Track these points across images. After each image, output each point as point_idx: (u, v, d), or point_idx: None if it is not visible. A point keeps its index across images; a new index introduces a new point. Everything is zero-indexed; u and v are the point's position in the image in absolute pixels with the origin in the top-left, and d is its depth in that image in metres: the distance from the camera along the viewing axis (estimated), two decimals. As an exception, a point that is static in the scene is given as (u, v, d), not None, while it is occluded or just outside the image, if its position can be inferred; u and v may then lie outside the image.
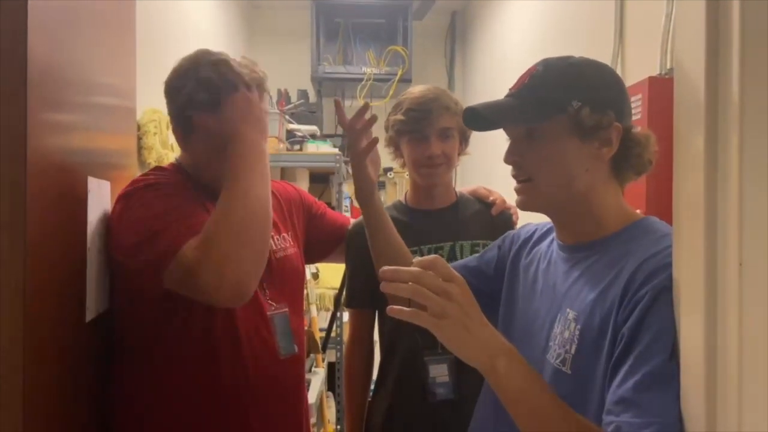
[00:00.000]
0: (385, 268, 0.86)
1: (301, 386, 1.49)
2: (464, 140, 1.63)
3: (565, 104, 0.94)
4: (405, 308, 0.84)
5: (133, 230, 1.18)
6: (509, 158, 1.02)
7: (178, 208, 1.21)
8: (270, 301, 1.37)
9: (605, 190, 0.98)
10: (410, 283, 0.84)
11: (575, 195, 0.98)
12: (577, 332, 0.91)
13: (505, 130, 1.04)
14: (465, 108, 1.03)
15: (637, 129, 1.00)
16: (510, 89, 1.02)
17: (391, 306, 0.85)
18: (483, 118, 1.00)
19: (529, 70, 1.01)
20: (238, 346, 1.30)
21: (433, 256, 0.87)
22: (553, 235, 1.10)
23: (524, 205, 1.03)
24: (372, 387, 1.73)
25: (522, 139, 1.00)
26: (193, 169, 1.37)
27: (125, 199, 1.23)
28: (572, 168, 0.97)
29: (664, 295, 0.81)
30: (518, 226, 1.70)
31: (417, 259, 0.87)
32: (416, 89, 1.59)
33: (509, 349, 0.86)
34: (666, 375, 0.77)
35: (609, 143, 0.96)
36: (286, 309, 1.40)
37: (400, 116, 1.56)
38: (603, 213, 0.98)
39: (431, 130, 1.54)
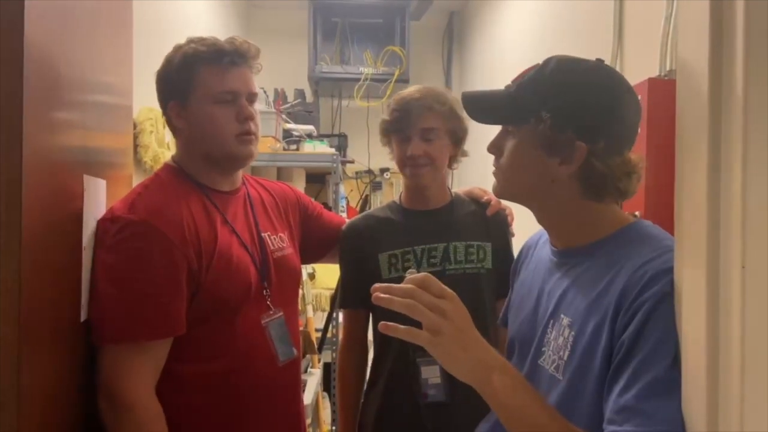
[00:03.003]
0: (377, 285, 0.86)
1: (298, 388, 1.49)
2: (456, 141, 1.61)
3: (533, 114, 0.94)
4: (399, 326, 0.84)
5: (107, 281, 1.19)
6: (489, 148, 1.04)
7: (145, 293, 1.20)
8: (269, 304, 1.37)
9: (582, 204, 0.96)
10: (406, 299, 0.83)
11: (545, 202, 0.98)
12: (570, 338, 0.91)
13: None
14: (462, 93, 1.05)
15: (611, 157, 0.92)
16: (512, 80, 1.02)
17: (383, 322, 0.85)
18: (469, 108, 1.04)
19: (534, 65, 0.99)
20: (237, 355, 1.30)
21: (423, 273, 0.87)
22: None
23: (495, 191, 1.05)
24: (365, 387, 1.72)
25: (505, 132, 1.02)
26: (188, 164, 1.36)
27: (114, 243, 1.20)
28: (533, 176, 0.97)
29: (665, 301, 0.80)
30: (513, 227, 1.70)
31: (409, 277, 0.87)
32: (407, 90, 1.60)
33: (503, 363, 0.86)
34: (669, 382, 0.76)
35: (569, 161, 0.93)
36: (281, 313, 1.39)
37: (386, 116, 1.59)
38: (587, 222, 0.97)
39: (412, 130, 1.54)
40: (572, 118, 0.92)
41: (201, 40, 1.33)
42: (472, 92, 1.04)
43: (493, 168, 1.04)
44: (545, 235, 1.14)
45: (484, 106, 1.03)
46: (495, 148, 1.03)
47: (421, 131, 1.54)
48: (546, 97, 0.94)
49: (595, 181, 0.94)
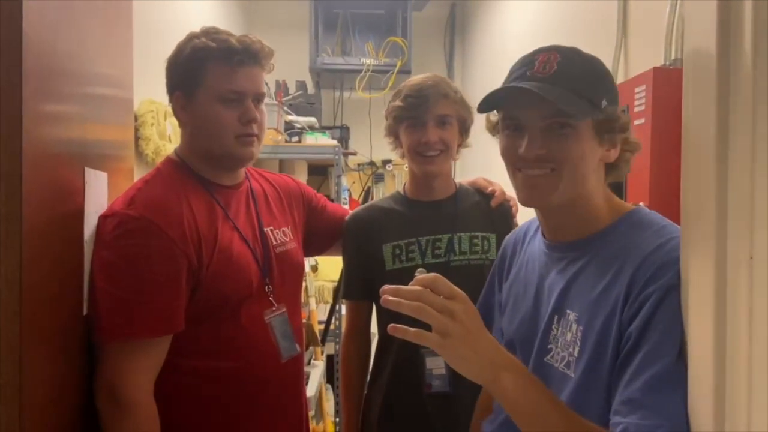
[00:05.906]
0: (386, 286, 0.85)
1: (301, 382, 1.49)
2: (464, 130, 1.61)
3: (597, 102, 0.90)
4: (409, 328, 0.83)
5: (105, 277, 1.18)
6: (536, 151, 0.92)
7: (145, 289, 1.19)
8: (272, 300, 1.36)
9: (599, 191, 0.97)
10: (414, 302, 0.82)
11: (581, 195, 0.95)
12: (579, 334, 0.90)
13: (527, 117, 0.93)
14: (519, 88, 0.92)
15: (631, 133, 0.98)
16: (533, 73, 0.92)
17: (393, 324, 0.83)
18: (531, 95, 0.89)
19: (547, 55, 0.92)
20: (240, 351, 1.30)
21: (433, 274, 0.85)
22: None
23: (539, 198, 0.96)
24: (368, 379, 1.72)
25: (548, 131, 0.92)
26: (191, 158, 1.35)
27: (114, 238, 1.19)
28: (588, 168, 0.94)
29: (671, 293, 0.79)
30: (518, 218, 1.69)
31: (417, 277, 0.85)
32: (416, 77, 1.59)
33: (512, 362, 0.85)
34: (674, 375, 0.76)
35: (616, 146, 0.94)
36: (284, 309, 1.39)
37: (398, 103, 1.56)
38: (596, 211, 0.96)
39: (428, 116, 1.53)
40: (618, 100, 0.94)
41: (214, 34, 1.30)
42: (528, 85, 0.90)
43: (534, 176, 0.94)
44: (532, 229, 1.13)
45: (556, 98, 0.89)
46: (543, 148, 0.92)
47: (436, 117, 1.53)
48: (599, 83, 0.93)
49: (623, 162, 0.97)
